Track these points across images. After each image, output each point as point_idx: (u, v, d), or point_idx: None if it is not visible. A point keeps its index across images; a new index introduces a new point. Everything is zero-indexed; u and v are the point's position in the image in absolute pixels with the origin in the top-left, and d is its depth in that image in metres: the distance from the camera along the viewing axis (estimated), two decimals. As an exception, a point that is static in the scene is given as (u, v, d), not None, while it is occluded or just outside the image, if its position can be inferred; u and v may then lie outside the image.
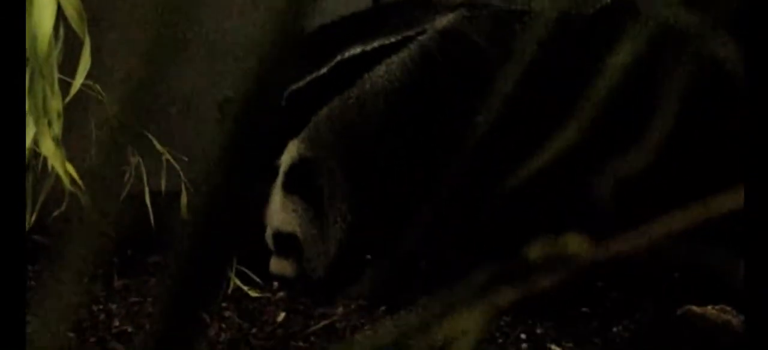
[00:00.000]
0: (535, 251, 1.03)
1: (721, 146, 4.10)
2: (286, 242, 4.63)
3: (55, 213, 3.00)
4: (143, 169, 3.72)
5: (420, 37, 4.46)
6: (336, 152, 4.54)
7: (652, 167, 0.92)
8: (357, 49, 4.49)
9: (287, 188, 4.59)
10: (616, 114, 3.62)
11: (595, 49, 3.99)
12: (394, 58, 4.46)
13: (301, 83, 4.48)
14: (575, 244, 1.01)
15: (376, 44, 4.49)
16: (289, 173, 4.56)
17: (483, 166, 4.22)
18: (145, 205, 3.85)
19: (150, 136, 3.57)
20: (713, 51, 0.89)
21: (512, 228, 4.19)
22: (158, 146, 3.71)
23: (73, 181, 2.59)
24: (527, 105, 4.03)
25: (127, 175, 3.54)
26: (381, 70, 4.47)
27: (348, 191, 4.55)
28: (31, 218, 2.61)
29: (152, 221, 3.91)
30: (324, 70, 4.49)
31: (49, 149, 2.39)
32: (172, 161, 4.05)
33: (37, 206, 2.63)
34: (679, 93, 0.84)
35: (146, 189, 3.81)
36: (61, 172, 2.47)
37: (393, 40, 4.48)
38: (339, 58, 4.48)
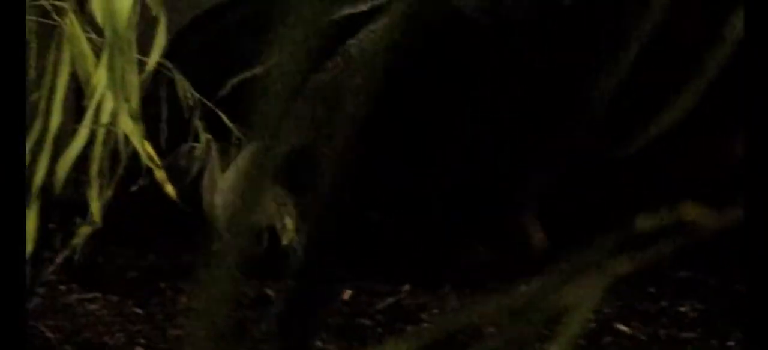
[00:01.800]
0: (645, 221, 1.01)
1: None
2: None
3: (133, 189, 3.02)
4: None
5: (394, 5, 4.12)
6: (322, 134, 4.23)
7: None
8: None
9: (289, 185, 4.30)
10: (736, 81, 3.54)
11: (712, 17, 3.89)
12: (371, 27, 4.11)
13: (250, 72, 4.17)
14: (691, 212, 1.00)
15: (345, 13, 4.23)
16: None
17: (599, 133, 4.06)
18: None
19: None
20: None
21: (628, 197, 4.11)
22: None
23: (148, 157, 2.60)
24: (645, 72, 3.90)
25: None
26: (355, 42, 4.13)
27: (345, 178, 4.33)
28: (108, 195, 2.63)
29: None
30: None
31: (127, 125, 2.41)
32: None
33: (114, 183, 2.65)
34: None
35: None
36: (139, 148, 2.49)
37: (363, 9, 4.15)
38: None
